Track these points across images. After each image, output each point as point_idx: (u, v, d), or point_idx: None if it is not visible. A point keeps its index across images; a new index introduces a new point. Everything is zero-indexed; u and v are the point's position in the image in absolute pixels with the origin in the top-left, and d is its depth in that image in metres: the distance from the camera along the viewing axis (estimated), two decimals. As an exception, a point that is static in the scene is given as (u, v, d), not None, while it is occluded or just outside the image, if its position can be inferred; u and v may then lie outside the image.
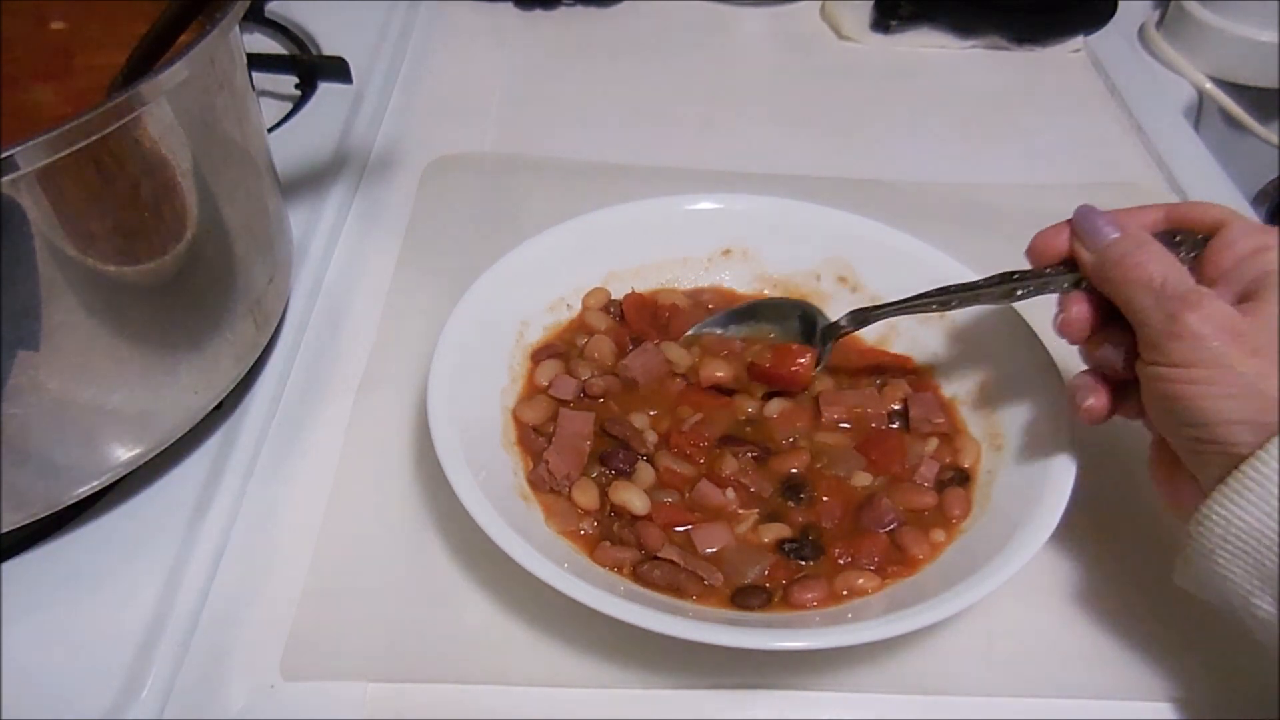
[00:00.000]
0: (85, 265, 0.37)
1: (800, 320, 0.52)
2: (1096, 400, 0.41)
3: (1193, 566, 0.37)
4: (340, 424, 0.51)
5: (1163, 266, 0.38)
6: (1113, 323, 0.40)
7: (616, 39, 0.82)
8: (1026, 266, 0.44)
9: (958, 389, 0.50)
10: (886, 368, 0.52)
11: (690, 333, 0.53)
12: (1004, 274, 0.45)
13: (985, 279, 0.45)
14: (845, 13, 0.84)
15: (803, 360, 0.49)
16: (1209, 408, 0.36)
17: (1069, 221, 0.42)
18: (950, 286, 0.46)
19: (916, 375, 0.51)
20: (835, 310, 0.52)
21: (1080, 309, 0.41)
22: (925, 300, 0.47)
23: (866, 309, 0.49)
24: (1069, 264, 0.43)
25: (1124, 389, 0.41)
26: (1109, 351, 0.41)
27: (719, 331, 0.52)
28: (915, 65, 0.81)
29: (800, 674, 0.42)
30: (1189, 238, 0.41)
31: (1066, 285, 0.42)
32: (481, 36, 0.82)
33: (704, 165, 0.68)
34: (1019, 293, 0.44)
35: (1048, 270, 0.43)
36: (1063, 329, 0.42)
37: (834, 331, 0.50)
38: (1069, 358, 0.47)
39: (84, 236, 0.36)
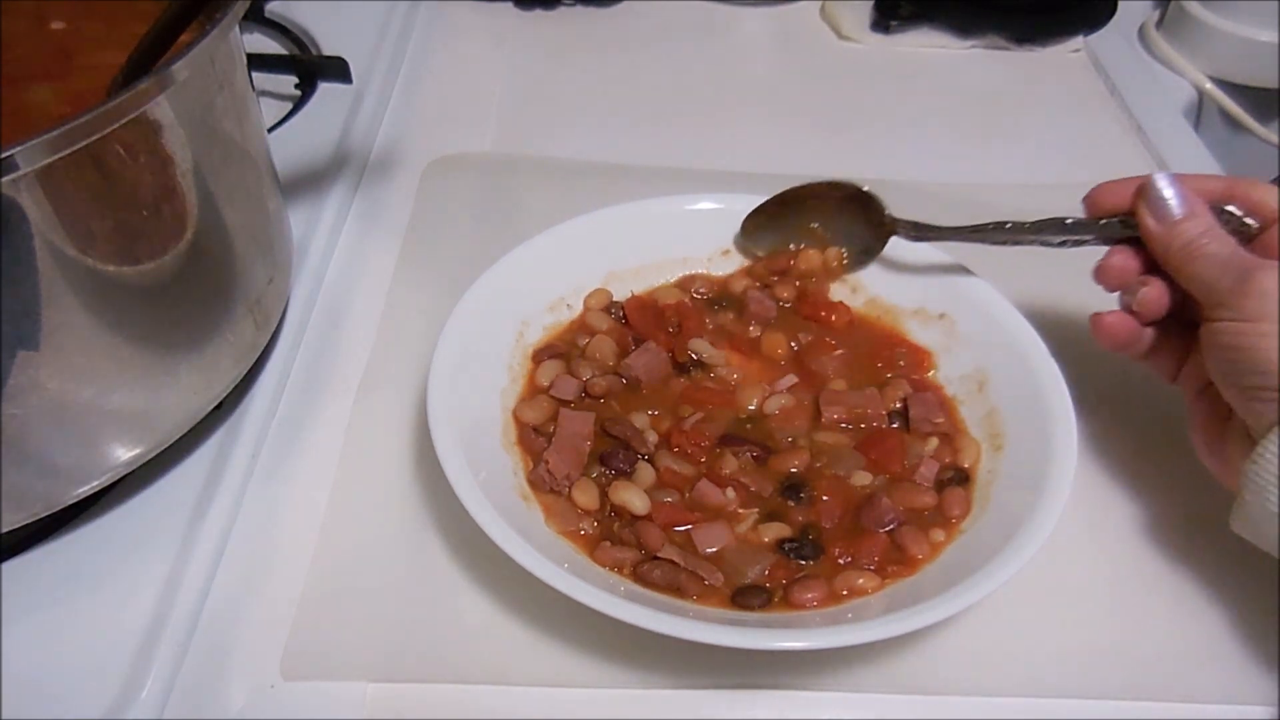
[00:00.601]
0: (85, 265, 0.37)
1: (845, 214, 0.54)
2: (1116, 319, 0.45)
3: (1247, 508, 0.39)
4: (340, 424, 0.51)
5: (1227, 247, 0.42)
6: (1154, 274, 0.44)
7: (616, 39, 0.82)
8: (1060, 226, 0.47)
9: (958, 389, 0.50)
10: (890, 356, 0.52)
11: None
12: (1057, 219, 0.47)
13: (1039, 220, 0.47)
14: (845, 13, 0.84)
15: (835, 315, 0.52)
16: (1275, 356, 0.39)
17: (1131, 180, 0.45)
18: (1006, 221, 0.48)
19: (917, 372, 0.51)
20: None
21: (1124, 259, 0.45)
22: (981, 231, 0.49)
23: (925, 225, 0.51)
24: (1122, 219, 0.45)
25: (1155, 345, 0.46)
26: (1153, 291, 0.44)
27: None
28: (915, 65, 0.81)
29: (800, 674, 0.42)
30: (1236, 218, 0.44)
31: (1113, 235, 0.45)
32: (481, 36, 0.82)
33: (704, 165, 0.68)
34: (1066, 240, 0.46)
35: (1100, 221, 0.46)
36: (1101, 274, 0.46)
37: (885, 233, 0.52)
38: (1070, 356, 0.47)
39: (84, 236, 0.36)
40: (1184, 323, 0.45)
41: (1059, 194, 0.64)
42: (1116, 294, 0.46)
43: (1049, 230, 0.47)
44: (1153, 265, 0.45)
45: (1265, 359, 0.39)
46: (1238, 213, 0.44)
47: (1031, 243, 0.48)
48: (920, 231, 0.52)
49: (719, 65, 0.80)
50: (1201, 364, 0.43)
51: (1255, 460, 0.39)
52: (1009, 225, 0.48)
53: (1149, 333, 0.46)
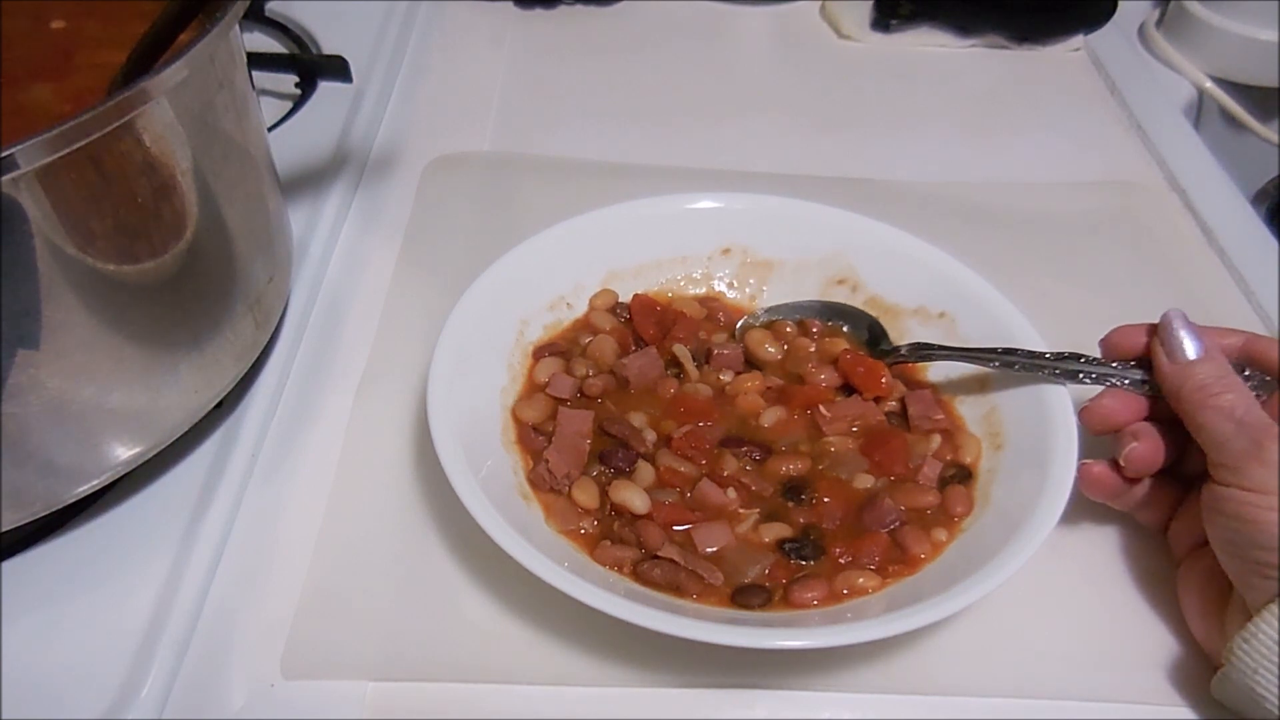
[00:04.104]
0: (85, 265, 0.37)
1: (868, 330, 0.53)
2: (1102, 471, 0.43)
3: (1232, 684, 0.38)
4: (340, 423, 0.51)
5: (1243, 401, 0.39)
6: (1151, 425, 0.42)
7: (616, 38, 0.82)
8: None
9: (956, 387, 0.50)
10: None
11: (765, 314, 0.54)
12: (1073, 354, 0.45)
13: (1053, 353, 0.46)
14: (845, 12, 0.84)
15: (884, 380, 0.49)
16: None
17: (1149, 325, 0.43)
18: (1016, 350, 0.47)
19: (910, 374, 0.51)
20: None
21: (1115, 404, 0.43)
22: (988, 354, 0.47)
23: (929, 345, 0.50)
24: (1139, 364, 0.44)
25: (1145, 497, 0.43)
26: (1141, 449, 0.41)
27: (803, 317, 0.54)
28: (915, 64, 0.81)
29: (800, 674, 0.42)
30: (1257, 375, 0.42)
31: (1129, 383, 0.43)
32: (481, 36, 0.82)
33: (704, 164, 0.68)
34: (1081, 376, 0.45)
35: (1115, 365, 0.44)
36: (1086, 416, 0.43)
37: (891, 357, 0.51)
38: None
39: (84, 236, 0.36)
40: (1177, 473, 0.43)
41: (1059, 193, 0.64)
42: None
43: (1060, 362, 0.45)
44: (1154, 415, 0.42)
45: (1269, 534, 0.37)
46: (1258, 375, 0.42)
47: (1041, 376, 0.46)
48: (926, 351, 0.50)
49: (719, 65, 0.80)
50: (1195, 519, 0.41)
51: (1246, 639, 0.37)
52: (1019, 352, 0.46)
53: (1141, 487, 0.43)
